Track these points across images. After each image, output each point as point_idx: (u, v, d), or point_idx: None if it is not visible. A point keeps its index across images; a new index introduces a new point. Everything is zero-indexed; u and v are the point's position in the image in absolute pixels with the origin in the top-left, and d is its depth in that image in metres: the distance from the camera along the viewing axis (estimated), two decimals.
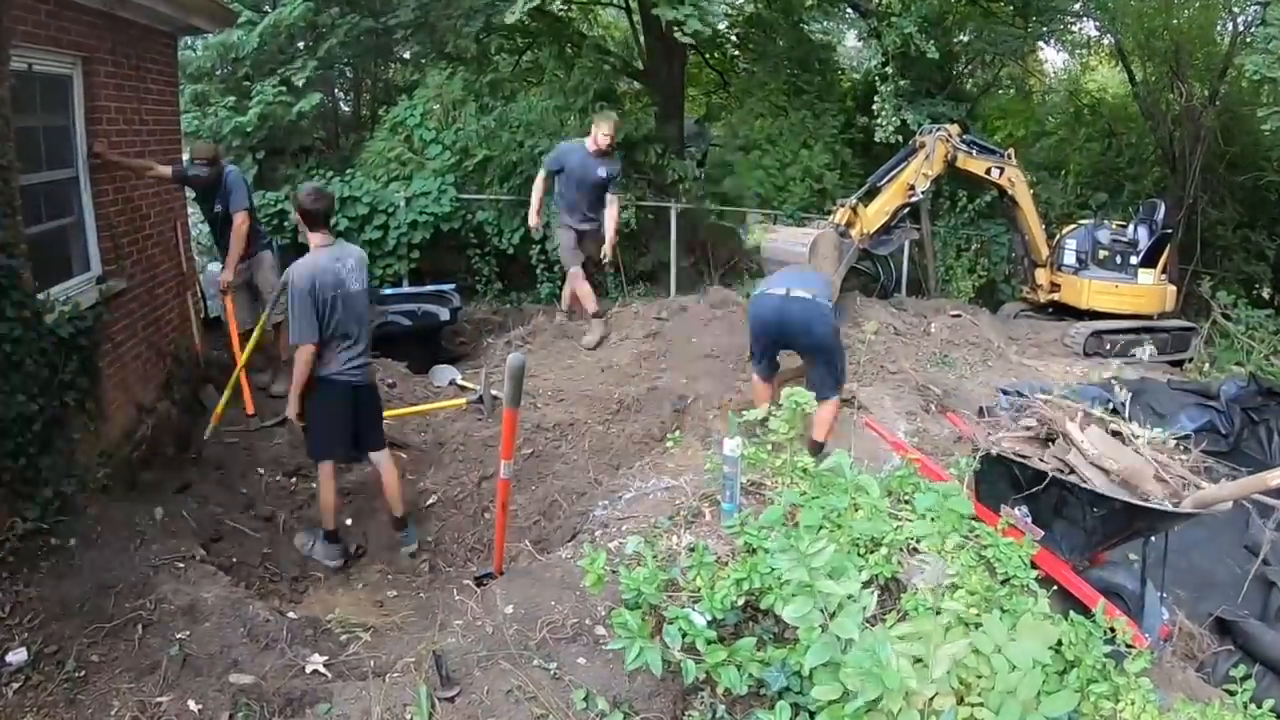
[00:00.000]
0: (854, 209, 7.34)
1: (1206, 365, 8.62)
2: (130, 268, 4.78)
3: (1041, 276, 8.95)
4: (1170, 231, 9.18)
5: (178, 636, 3.08)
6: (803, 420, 3.54)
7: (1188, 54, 12.24)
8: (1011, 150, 8.52)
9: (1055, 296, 8.87)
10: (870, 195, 7.66)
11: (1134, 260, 8.69)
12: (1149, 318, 8.73)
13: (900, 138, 9.83)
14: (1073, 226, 9.21)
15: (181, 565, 3.61)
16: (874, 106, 9.78)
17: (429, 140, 10.10)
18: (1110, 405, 5.78)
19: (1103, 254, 8.69)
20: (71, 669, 2.79)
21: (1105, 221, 9.24)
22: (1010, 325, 8.91)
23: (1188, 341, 8.93)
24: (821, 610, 2.06)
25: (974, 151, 8.01)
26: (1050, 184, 12.48)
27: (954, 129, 7.90)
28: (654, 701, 2.61)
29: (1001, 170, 8.15)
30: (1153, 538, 3.51)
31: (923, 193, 7.65)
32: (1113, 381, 6.32)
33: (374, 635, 3.30)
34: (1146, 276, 8.69)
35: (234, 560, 4.06)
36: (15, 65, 3.74)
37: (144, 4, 4.75)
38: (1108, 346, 8.29)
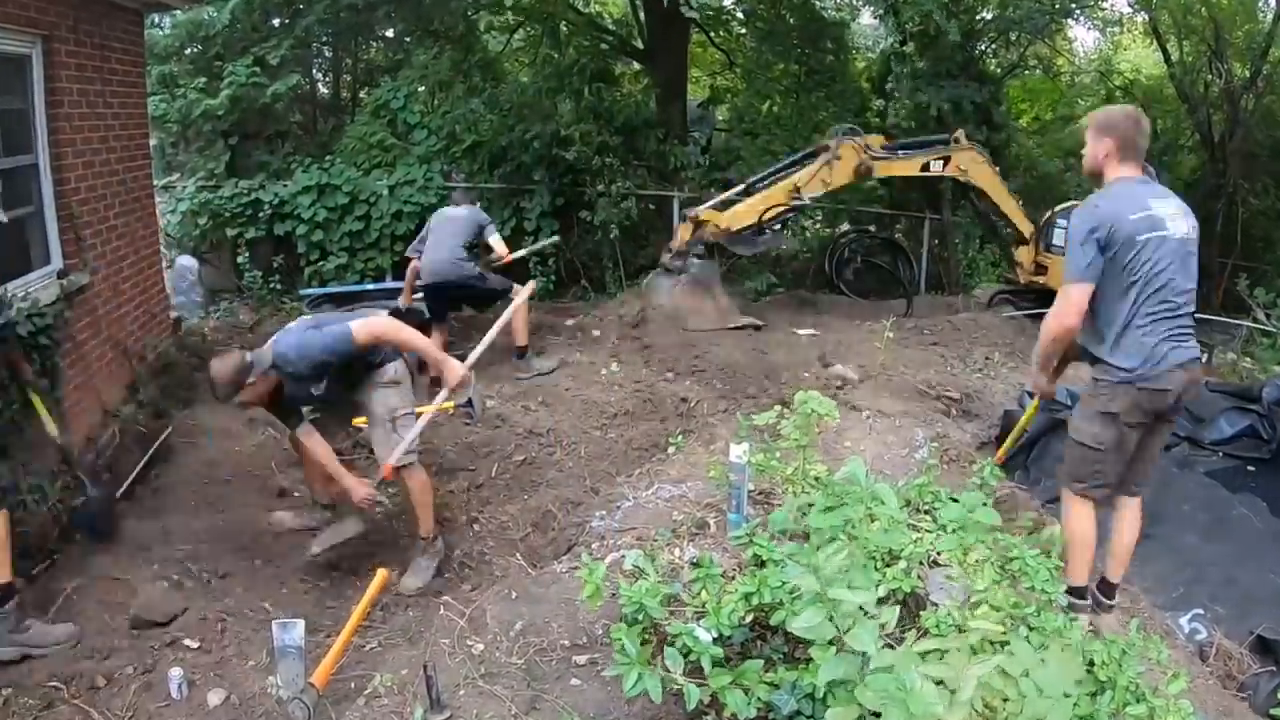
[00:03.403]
0: (697, 219, 7.03)
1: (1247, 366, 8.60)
2: (94, 261, 4.77)
3: (1023, 255, 8.31)
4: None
5: (146, 655, 3.08)
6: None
7: (1227, 32, 12.23)
8: (960, 132, 7.84)
9: (1039, 279, 8.26)
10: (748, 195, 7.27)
11: None
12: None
13: (913, 123, 9.76)
14: (1067, 204, 8.40)
15: (151, 579, 3.62)
16: (888, 87, 9.74)
17: (414, 124, 10.10)
18: None
19: None
20: (38, 698, 2.80)
21: None
22: (997, 312, 8.54)
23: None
24: (833, 621, 2.05)
25: (897, 154, 7.50)
26: (1080, 170, 12.44)
27: (875, 139, 7.52)
28: None
29: (945, 160, 7.52)
30: None
31: (811, 199, 7.18)
32: None
33: (356, 653, 3.30)
34: None
35: (215, 573, 4.05)
36: None
37: None
38: None
